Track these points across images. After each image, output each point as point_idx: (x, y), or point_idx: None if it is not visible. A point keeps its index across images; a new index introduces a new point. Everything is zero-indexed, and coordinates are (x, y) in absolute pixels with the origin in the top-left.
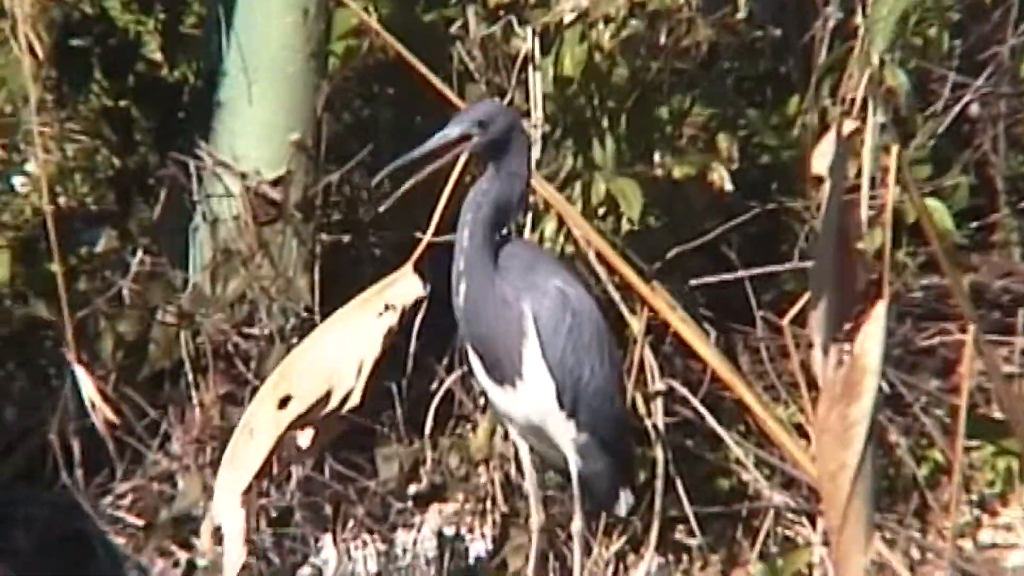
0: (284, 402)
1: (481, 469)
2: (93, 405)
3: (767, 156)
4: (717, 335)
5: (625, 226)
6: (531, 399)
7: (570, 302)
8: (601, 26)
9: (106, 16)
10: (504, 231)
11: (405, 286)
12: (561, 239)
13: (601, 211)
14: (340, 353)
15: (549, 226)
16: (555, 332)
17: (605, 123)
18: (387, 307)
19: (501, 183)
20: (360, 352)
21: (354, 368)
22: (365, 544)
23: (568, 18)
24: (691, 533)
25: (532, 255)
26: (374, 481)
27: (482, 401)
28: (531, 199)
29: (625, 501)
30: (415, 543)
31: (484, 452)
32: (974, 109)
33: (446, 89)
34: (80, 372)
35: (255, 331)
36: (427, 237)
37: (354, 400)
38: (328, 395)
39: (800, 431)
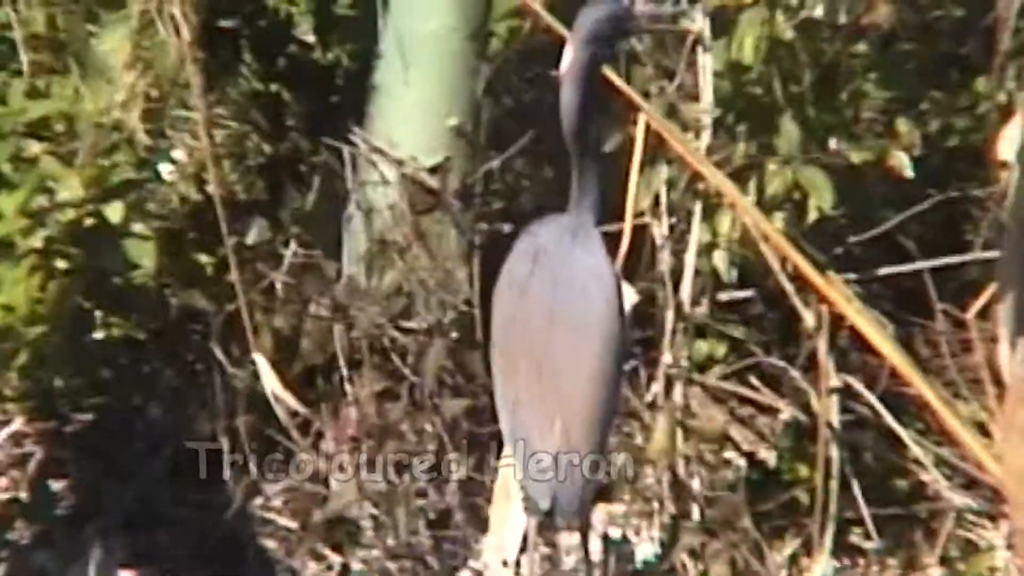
0: None
1: (648, 469)
2: (276, 395)
3: (949, 141)
4: (896, 329)
5: (812, 216)
6: None
7: None
8: (781, 9)
9: None
10: None
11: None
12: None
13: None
14: None
15: (725, 221)
16: None
17: (786, 109)
18: None
19: None
20: None
21: None
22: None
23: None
24: (867, 536)
25: None
26: None
27: (650, 398)
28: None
29: None
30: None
31: (664, 454)
32: None
33: (611, 72)
34: (261, 362)
35: (412, 325)
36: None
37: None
38: None
39: (983, 430)
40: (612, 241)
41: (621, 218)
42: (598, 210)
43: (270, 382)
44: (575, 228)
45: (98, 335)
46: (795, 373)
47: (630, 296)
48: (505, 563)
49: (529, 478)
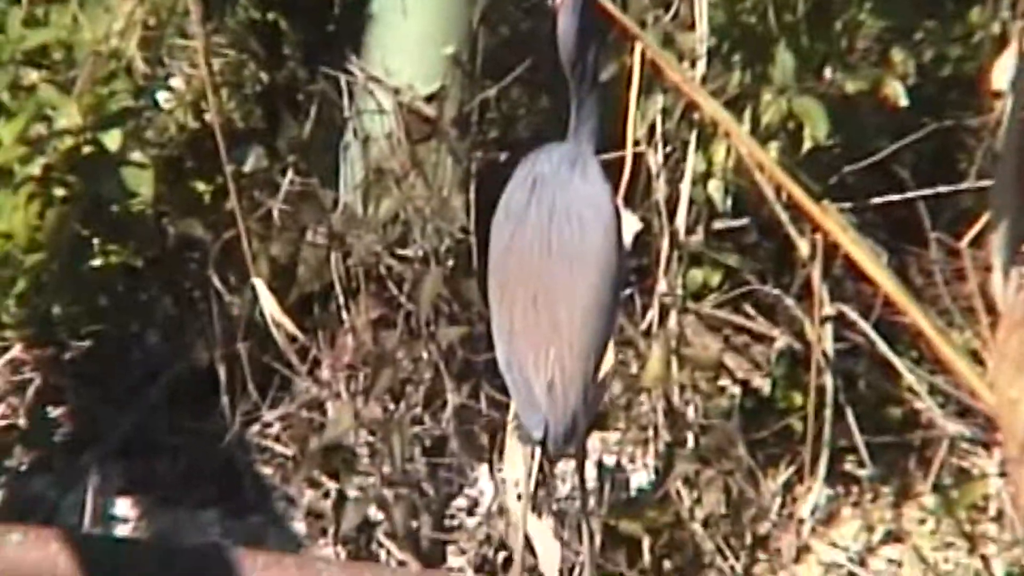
0: None
1: (643, 397)
2: (275, 321)
3: (944, 70)
4: (890, 257)
5: (806, 145)
6: None
7: None
8: None
9: None
10: None
11: (624, 226)
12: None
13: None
14: None
15: (720, 150)
16: None
17: (781, 38)
18: None
19: None
20: None
21: None
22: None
23: None
24: (861, 464)
25: None
26: None
27: (644, 326)
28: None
29: None
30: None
31: (658, 382)
32: None
33: (607, 1)
34: (261, 287)
35: (408, 253)
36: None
37: (609, 359)
38: None
39: (976, 358)
40: (611, 170)
41: (619, 147)
42: (597, 138)
43: (269, 306)
44: (574, 157)
45: (96, 262)
46: (790, 301)
47: (632, 225)
48: (519, 496)
49: (523, 407)
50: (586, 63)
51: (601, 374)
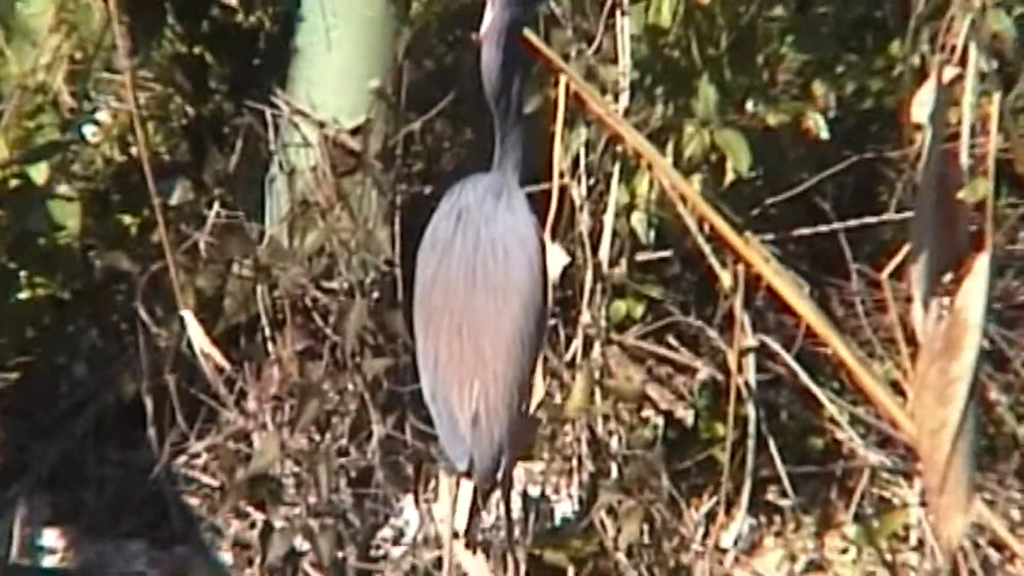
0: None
1: (568, 428)
2: (204, 352)
3: (864, 103)
4: (811, 289)
5: (729, 177)
6: None
7: None
8: None
9: None
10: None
11: (550, 259)
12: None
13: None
14: None
15: (643, 182)
16: None
17: (704, 72)
18: None
19: None
20: None
21: None
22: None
23: None
24: (784, 493)
25: None
26: None
27: (568, 357)
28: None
29: None
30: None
31: (582, 413)
32: None
33: (531, 34)
34: (190, 318)
35: (334, 285)
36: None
37: (538, 393)
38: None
39: (897, 388)
40: (537, 202)
41: (542, 180)
42: (521, 170)
43: (198, 338)
44: (499, 188)
45: (23, 295)
46: (712, 332)
47: (560, 258)
48: (456, 535)
49: (448, 438)
50: (510, 96)
51: (532, 407)
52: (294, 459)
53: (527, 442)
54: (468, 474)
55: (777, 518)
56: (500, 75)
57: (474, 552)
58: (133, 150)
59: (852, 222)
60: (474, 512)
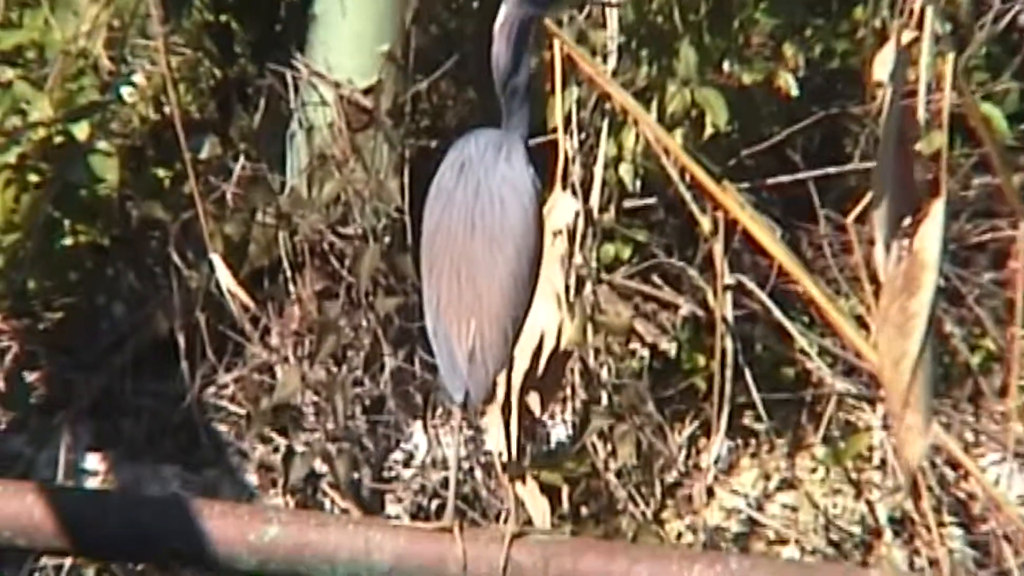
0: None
1: None
2: (231, 292)
3: (831, 63)
4: (783, 232)
5: (708, 131)
6: None
7: None
8: None
9: None
10: None
11: (562, 207)
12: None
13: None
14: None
15: (629, 136)
16: None
17: (684, 36)
18: (555, 234)
19: None
20: (550, 286)
21: (553, 305)
22: (453, 430)
23: None
24: (758, 418)
25: None
26: None
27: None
28: (609, 107)
29: None
30: None
31: (576, 346)
32: (1022, 20)
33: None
34: (218, 262)
35: (349, 231)
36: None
37: (567, 333)
38: (541, 341)
39: (861, 322)
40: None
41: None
42: (525, 127)
43: (226, 279)
44: (500, 142)
45: (67, 241)
46: (693, 272)
47: (572, 205)
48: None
49: (447, 372)
50: (517, 84)
51: (563, 344)
52: (313, 389)
53: (558, 376)
54: (464, 404)
55: (752, 441)
56: (509, 68)
57: (523, 481)
58: (166, 109)
59: (820, 171)
60: (521, 442)
